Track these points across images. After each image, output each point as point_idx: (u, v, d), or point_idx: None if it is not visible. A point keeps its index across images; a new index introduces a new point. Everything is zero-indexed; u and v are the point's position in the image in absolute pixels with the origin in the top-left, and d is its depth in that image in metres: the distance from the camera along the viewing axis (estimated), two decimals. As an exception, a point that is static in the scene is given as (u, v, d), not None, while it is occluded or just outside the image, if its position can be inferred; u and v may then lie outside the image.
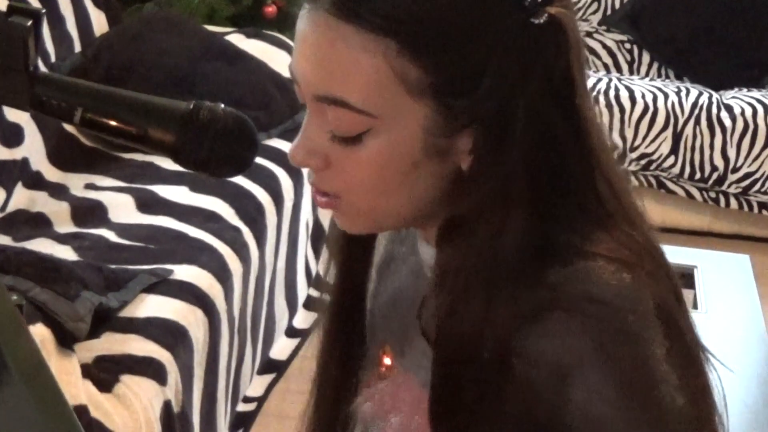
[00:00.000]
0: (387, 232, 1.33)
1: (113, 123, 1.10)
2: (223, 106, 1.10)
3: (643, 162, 4.81)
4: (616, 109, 4.78)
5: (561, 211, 1.10)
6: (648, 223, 1.16)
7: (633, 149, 4.78)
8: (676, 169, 4.81)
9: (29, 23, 1.08)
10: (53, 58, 3.66)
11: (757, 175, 4.77)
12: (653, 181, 4.85)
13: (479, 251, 1.08)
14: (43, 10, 1.11)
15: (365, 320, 1.33)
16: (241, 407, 3.14)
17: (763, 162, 4.76)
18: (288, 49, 4.12)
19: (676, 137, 4.79)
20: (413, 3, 1.04)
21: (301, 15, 1.08)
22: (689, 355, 1.11)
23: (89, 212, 3.12)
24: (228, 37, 4.12)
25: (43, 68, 3.41)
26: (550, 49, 1.06)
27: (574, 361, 1.05)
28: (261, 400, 3.27)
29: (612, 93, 4.84)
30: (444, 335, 1.10)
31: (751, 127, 4.75)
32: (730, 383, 2.66)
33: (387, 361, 1.28)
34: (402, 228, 1.25)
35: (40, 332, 2.28)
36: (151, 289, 2.66)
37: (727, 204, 4.86)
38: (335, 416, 1.34)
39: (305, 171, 1.15)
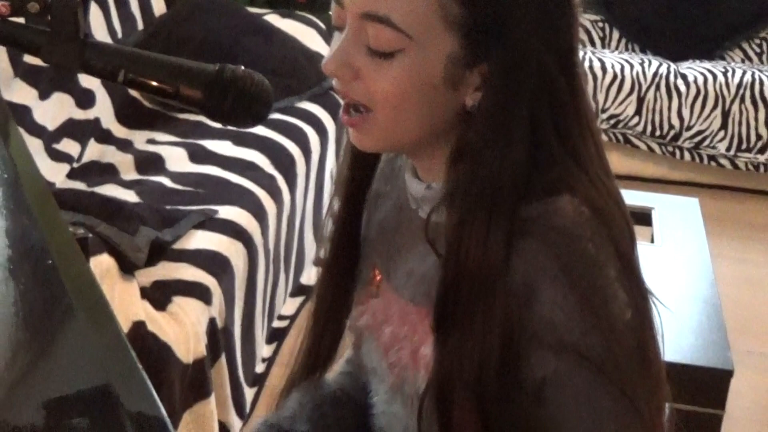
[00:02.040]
0: (377, 172, 1.31)
1: (151, 82, 1.08)
2: (243, 68, 1.07)
3: (612, 122, 4.78)
4: (590, 77, 4.75)
5: (555, 151, 1.08)
6: (614, 177, 1.15)
7: (603, 111, 4.77)
8: (640, 128, 4.79)
9: (79, -3, 1.06)
10: (119, 35, 3.63)
11: (706, 133, 4.74)
12: (620, 138, 4.83)
13: (484, 175, 1.07)
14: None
15: (359, 246, 1.32)
16: (276, 324, 3.14)
17: (712, 122, 4.73)
18: (316, 27, 4.09)
19: (640, 101, 4.76)
20: None
21: None
22: (636, 280, 1.10)
23: (150, 163, 3.10)
24: (266, 17, 4.09)
25: (109, 40, 3.39)
26: (558, 12, 1.07)
27: (541, 279, 1.05)
28: (293, 318, 3.26)
29: (587, 63, 4.82)
30: (452, 244, 1.09)
31: (702, 92, 4.72)
32: (679, 306, 2.65)
33: (377, 280, 1.27)
34: (407, 152, 1.21)
35: (105, 261, 2.27)
36: (199, 225, 2.65)
37: (682, 156, 4.82)
38: (329, 327, 1.33)
39: (332, 96, 1.14)
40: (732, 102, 4.71)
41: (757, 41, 5.21)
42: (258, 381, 2.88)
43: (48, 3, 1.06)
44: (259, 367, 2.91)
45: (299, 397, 1.35)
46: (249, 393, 2.76)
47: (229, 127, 2.98)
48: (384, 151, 1.26)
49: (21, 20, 1.10)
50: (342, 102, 1.14)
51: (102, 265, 2.23)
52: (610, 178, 1.13)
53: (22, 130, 2.93)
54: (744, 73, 4.80)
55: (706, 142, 4.76)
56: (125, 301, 2.24)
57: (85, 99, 3.26)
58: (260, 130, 3.31)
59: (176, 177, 2.98)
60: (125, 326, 2.15)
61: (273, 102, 1.09)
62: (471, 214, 1.07)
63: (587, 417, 1.08)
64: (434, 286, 1.12)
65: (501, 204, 1.06)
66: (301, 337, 1.36)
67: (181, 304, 2.35)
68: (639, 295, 1.09)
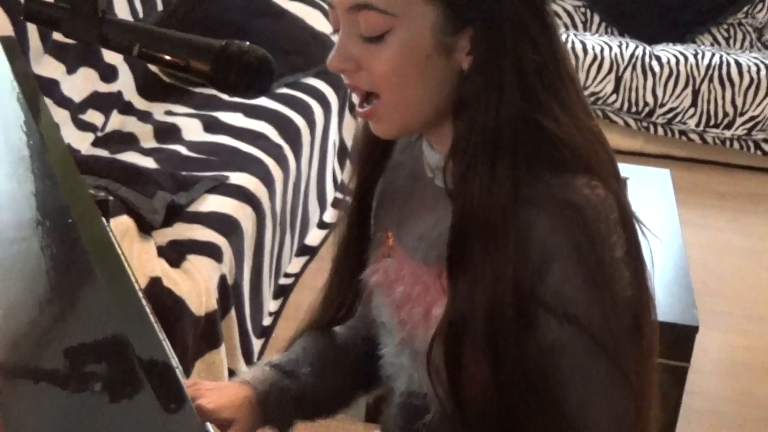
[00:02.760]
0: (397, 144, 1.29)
1: (163, 56, 1.07)
2: (248, 43, 1.06)
3: (591, 99, 4.76)
4: (572, 57, 4.72)
5: (541, 94, 1.07)
6: (594, 117, 1.14)
7: (584, 89, 4.73)
8: (617, 104, 4.77)
9: (97, -23, 1.05)
10: (141, 15, 3.60)
11: (678, 110, 4.72)
12: (599, 113, 4.81)
13: (483, 123, 1.06)
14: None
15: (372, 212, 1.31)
16: (282, 281, 3.14)
17: (683, 100, 4.71)
18: (320, 8, 4.06)
19: (618, 80, 4.74)
20: None
21: None
22: (639, 259, 1.10)
23: (167, 132, 3.08)
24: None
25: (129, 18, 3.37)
26: None
27: (555, 254, 1.05)
28: (298, 276, 3.26)
29: (569, 45, 4.79)
30: (459, 189, 1.08)
31: (675, 72, 4.70)
32: (650, 268, 2.65)
33: (390, 242, 1.25)
34: (423, 129, 1.18)
35: (125, 222, 2.26)
36: (212, 190, 2.64)
37: (655, 131, 4.81)
38: (348, 284, 1.32)
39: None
40: (701, 82, 4.69)
41: (725, 26, 5.18)
42: (265, 333, 2.88)
43: (68, -19, 1.05)
44: (266, 320, 2.91)
45: (304, 343, 1.34)
46: (257, 344, 2.76)
47: (240, 100, 2.98)
48: (403, 135, 1.21)
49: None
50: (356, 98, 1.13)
51: (122, 225, 2.22)
52: (590, 118, 1.12)
53: (51, 102, 2.91)
54: (713, 55, 4.77)
55: (678, 119, 4.74)
56: (143, 258, 2.23)
57: (109, 73, 3.24)
58: (269, 103, 3.30)
59: (191, 146, 2.96)
60: (143, 282, 2.14)
61: (275, 75, 1.07)
62: (474, 160, 1.06)
63: (581, 384, 1.08)
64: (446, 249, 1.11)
65: (503, 149, 1.05)
66: (316, 295, 1.35)
67: (195, 261, 2.34)
68: (640, 274, 1.09)
